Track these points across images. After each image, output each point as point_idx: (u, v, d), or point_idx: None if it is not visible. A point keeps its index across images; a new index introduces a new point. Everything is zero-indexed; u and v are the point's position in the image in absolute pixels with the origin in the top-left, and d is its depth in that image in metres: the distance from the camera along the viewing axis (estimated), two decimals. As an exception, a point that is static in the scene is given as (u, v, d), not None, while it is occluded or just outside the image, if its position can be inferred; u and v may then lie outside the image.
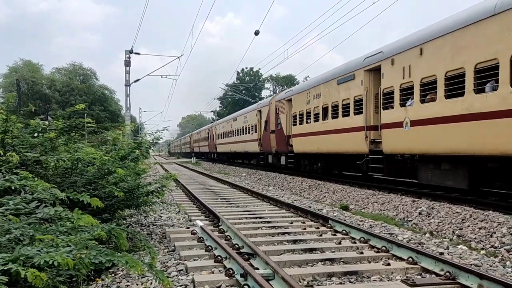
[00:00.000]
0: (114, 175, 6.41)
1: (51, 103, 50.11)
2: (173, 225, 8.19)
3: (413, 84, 10.46)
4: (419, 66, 10.19)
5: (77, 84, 54.21)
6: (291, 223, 8.20)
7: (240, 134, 30.67)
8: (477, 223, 7.44)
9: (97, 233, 3.13)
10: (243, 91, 65.95)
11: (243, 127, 29.92)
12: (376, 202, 10.81)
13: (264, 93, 74.82)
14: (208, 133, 47.54)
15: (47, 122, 6.86)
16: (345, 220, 8.38)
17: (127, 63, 27.98)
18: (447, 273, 4.58)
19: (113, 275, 5.09)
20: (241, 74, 77.28)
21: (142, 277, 4.85)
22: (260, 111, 25.49)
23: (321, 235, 6.95)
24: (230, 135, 34.81)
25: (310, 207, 10.43)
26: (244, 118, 29.80)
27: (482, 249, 6.44)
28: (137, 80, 29.39)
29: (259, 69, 64.35)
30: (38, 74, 52.37)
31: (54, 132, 6.04)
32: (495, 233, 6.85)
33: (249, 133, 27.94)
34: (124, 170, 7.02)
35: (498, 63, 8.00)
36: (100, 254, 2.95)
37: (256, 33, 20.80)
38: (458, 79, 9.01)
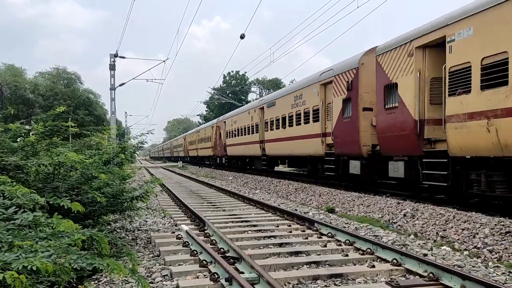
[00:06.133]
0: (97, 180, 6.33)
1: (34, 108, 49.42)
2: (158, 230, 8.11)
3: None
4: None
5: (61, 88, 53.59)
6: (277, 226, 8.19)
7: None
8: (460, 224, 7.53)
9: (77, 238, 3.07)
10: (230, 95, 65.99)
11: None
12: (362, 204, 10.88)
13: (251, 96, 75.03)
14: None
15: (27, 126, 6.75)
16: (330, 222, 8.40)
17: (112, 67, 27.73)
18: (431, 274, 4.62)
19: (96, 281, 5.01)
20: (227, 78, 77.32)
21: (126, 283, 4.79)
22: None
23: (306, 238, 6.95)
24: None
25: (296, 210, 10.44)
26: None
27: (465, 250, 6.52)
28: (122, 84, 29.13)
29: (245, 72, 64.55)
30: (21, 78, 51.61)
31: (35, 136, 5.94)
32: (478, 234, 6.94)
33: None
34: (108, 174, 6.93)
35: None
36: (80, 258, 2.90)
37: (242, 36, 20.83)
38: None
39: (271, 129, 20.98)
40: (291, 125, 18.31)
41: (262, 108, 22.84)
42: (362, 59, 12.77)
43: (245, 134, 25.99)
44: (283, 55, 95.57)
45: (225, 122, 31.77)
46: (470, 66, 8.38)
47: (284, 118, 19.14)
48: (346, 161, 13.62)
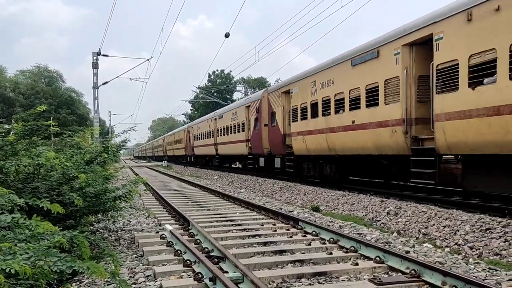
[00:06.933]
0: (78, 180, 6.23)
1: (15, 107, 48.44)
2: (142, 229, 8.04)
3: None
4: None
5: (42, 87, 52.63)
6: (262, 225, 8.20)
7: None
8: (441, 222, 7.65)
9: (57, 240, 3.01)
10: (215, 94, 65.77)
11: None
12: (346, 202, 10.96)
13: (236, 95, 74.93)
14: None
15: (7, 126, 6.60)
16: (315, 221, 8.44)
17: (95, 65, 27.36)
18: (413, 271, 4.68)
19: (78, 282, 4.94)
20: (212, 77, 77.01)
21: (108, 285, 4.73)
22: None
23: (291, 237, 6.97)
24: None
25: (281, 208, 10.46)
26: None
27: (447, 246, 6.62)
28: (105, 82, 28.80)
29: (230, 71, 64.39)
30: (1, 77, 50.57)
31: (14, 135, 5.81)
32: (458, 231, 7.06)
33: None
34: (90, 174, 6.83)
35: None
36: (60, 260, 2.84)
37: (227, 35, 20.78)
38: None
39: (221, 135, 28.26)
40: (231, 132, 25.55)
41: (215, 119, 30.02)
42: (263, 94, 20.10)
43: (205, 138, 33.15)
44: (268, 54, 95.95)
45: (193, 127, 39.49)
46: (297, 108, 15.60)
47: (227, 127, 26.44)
48: (258, 158, 21.11)
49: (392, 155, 10.62)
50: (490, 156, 7.90)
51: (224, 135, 27.28)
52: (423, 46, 9.50)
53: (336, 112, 12.74)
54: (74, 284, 4.87)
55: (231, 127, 25.58)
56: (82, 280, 4.96)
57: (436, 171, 9.07)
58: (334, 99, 12.84)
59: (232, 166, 30.13)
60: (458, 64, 8.24)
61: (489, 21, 7.57)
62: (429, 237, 7.26)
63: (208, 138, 32.10)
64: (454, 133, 8.39)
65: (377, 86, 10.66)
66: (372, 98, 10.91)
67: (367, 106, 11.12)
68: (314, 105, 14.18)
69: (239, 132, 23.65)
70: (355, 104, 11.70)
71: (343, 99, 12.34)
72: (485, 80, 7.71)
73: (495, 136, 7.47)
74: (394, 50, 10.02)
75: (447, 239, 6.91)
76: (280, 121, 17.31)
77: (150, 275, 5.04)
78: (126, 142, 8.39)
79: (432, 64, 8.93)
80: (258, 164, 21.21)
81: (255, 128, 20.62)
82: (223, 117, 27.68)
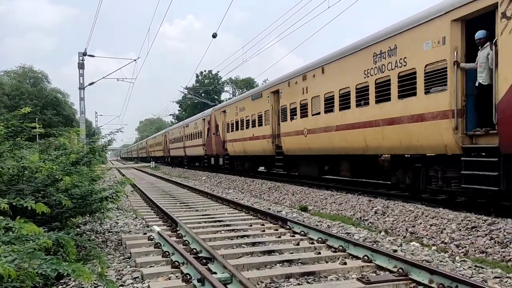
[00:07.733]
0: (63, 182, 6.14)
1: (-1, 108, 47.62)
2: (129, 231, 7.96)
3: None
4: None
5: (27, 87, 51.86)
6: (250, 225, 8.18)
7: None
8: (428, 220, 7.72)
9: (43, 241, 2.95)
10: (203, 94, 65.56)
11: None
12: (334, 202, 11.01)
13: (224, 96, 74.81)
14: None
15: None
16: (303, 221, 8.46)
17: (81, 66, 27.03)
18: (400, 270, 4.71)
19: (64, 285, 4.86)
20: (200, 77, 76.72)
21: (95, 287, 4.67)
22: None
23: (280, 237, 6.97)
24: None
25: (269, 209, 10.46)
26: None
27: (433, 245, 6.69)
28: (92, 83, 28.47)
29: (218, 72, 64.19)
30: (-16, 77, 49.65)
31: (-3, 137, 5.70)
32: (445, 229, 7.13)
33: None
34: (76, 175, 6.74)
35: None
36: (45, 263, 2.78)
37: (214, 35, 20.70)
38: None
39: (187, 140, 35.76)
40: (193, 138, 33.04)
41: (184, 127, 37.61)
42: (212, 111, 27.44)
43: (177, 142, 40.63)
44: (255, 54, 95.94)
45: (168, 133, 47.95)
46: (229, 123, 22.93)
47: (191, 134, 33.98)
48: (210, 158, 28.70)
49: (270, 155, 18.05)
50: (301, 156, 15.35)
51: (189, 140, 34.99)
52: (278, 94, 16.71)
53: (246, 127, 20.31)
54: (61, 287, 4.80)
55: (193, 134, 33.26)
56: (68, 283, 4.88)
57: (284, 164, 16.86)
58: (245, 119, 20.55)
59: (205, 165, 33.93)
60: (286, 107, 15.73)
61: (294, 88, 15.02)
62: (416, 235, 7.33)
63: (179, 142, 39.72)
64: (287, 143, 15.80)
65: (262, 114, 18.37)
66: (260, 121, 18.60)
67: (258, 125, 18.79)
68: (237, 122, 21.68)
69: (198, 138, 31.26)
70: (254, 124, 19.37)
71: (248, 120, 20.04)
72: (294, 117, 15.06)
73: (297, 145, 14.98)
74: (267, 94, 17.80)
75: (434, 238, 6.99)
76: (221, 131, 24.71)
77: (137, 277, 4.98)
78: (111, 142, 8.31)
79: (280, 105, 16.43)
80: (210, 163, 29.02)
81: (208, 136, 28.16)
82: (189, 126, 35.46)
